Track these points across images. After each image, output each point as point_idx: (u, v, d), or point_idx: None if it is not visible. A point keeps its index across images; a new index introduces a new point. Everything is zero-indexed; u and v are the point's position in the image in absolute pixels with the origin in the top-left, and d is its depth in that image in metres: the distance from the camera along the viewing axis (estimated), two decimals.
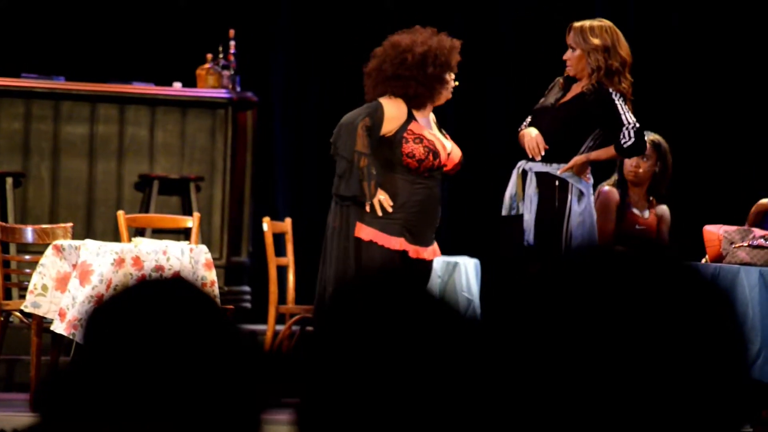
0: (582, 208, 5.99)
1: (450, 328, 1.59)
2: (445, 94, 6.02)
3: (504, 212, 6.07)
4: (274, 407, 1.63)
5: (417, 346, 1.59)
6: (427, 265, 6.05)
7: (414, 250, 5.93)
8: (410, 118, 5.95)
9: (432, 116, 6.13)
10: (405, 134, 5.91)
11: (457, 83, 6.04)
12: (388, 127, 5.92)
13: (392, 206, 5.88)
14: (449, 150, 6.04)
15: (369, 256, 5.85)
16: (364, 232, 5.87)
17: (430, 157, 5.92)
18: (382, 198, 5.85)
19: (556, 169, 6.00)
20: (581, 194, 6.01)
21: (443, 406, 1.55)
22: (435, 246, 6.07)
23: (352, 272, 5.84)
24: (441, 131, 6.12)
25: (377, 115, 5.88)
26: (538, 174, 6.01)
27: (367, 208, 5.85)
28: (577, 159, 6.00)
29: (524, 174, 6.05)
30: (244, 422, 1.57)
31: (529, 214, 5.99)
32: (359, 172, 5.83)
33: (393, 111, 5.92)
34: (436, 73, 5.93)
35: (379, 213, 5.84)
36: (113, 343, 1.52)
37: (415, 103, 5.95)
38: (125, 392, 1.50)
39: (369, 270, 5.83)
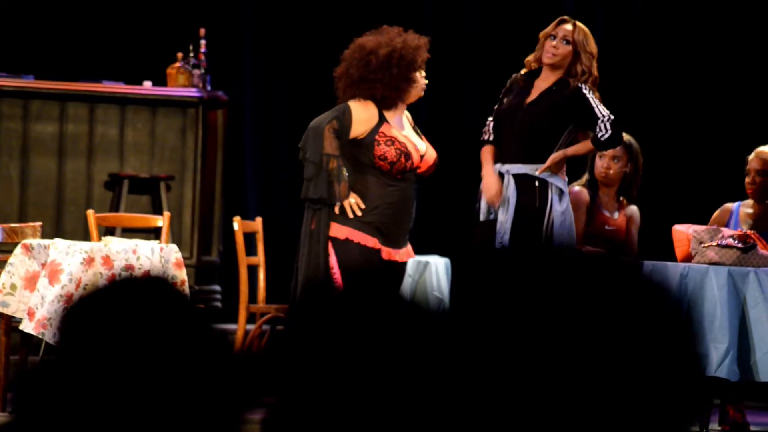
0: (564, 207, 5.99)
1: (422, 330, 1.59)
2: (416, 93, 6.01)
3: (482, 217, 6.04)
4: (253, 407, 1.63)
5: (389, 347, 1.60)
6: (400, 267, 6.02)
7: (386, 252, 5.91)
8: (382, 120, 5.92)
9: (407, 115, 6.11)
10: (377, 137, 5.89)
11: (427, 81, 6.03)
12: (359, 129, 5.90)
13: (364, 209, 5.86)
14: (423, 151, 6.01)
15: (347, 254, 5.84)
16: (340, 231, 5.86)
17: (402, 159, 5.89)
18: (353, 201, 5.84)
19: (534, 169, 6.00)
20: (562, 193, 6.01)
21: (415, 405, 1.56)
22: (408, 248, 6.05)
23: (322, 275, 5.83)
24: (416, 131, 6.11)
25: (345, 118, 5.87)
26: (516, 176, 6.00)
27: (337, 210, 5.84)
28: (555, 156, 6.00)
29: (501, 177, 6.03)
30: (225, 421, 1.57)
31: (504, 215, 5.96)
32: (328, 174, 5.81)
33: (362, 114, 5.90)
34: (402, 74, 5.90)
35: (350, 215, 5.83)
36: (89, 341, 1.52)
37: (384, 104, 5.94)
38: (102, 391, 1.50)
39: (349, 267, 5.82)
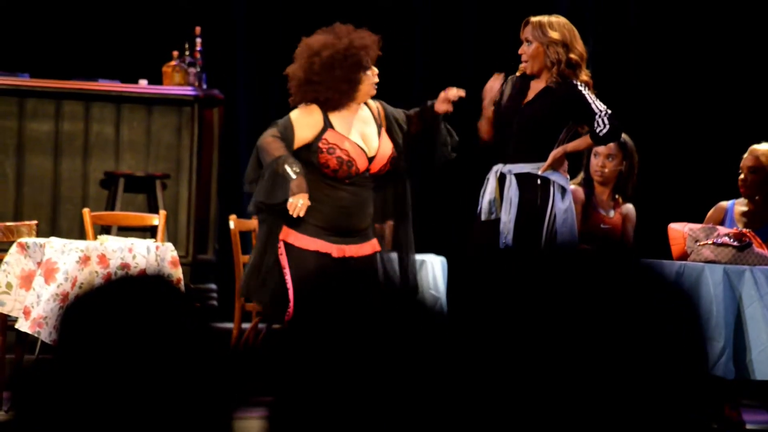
0: (566, 205, 5.99)
1: (420, 324, 1.59)
2: (365, 92, 5.85)
3: (483, 217, 6.02)
4: (244, 405, 1.64)
5: (385, 343, 1.60)
6: (359, 262, 5.88)
7: (338, 249, 5.82)
8: (326, 125, 5.83)
9: (375, 106, 5.99)
10: (320, 144, 5.79)
11: (377, 80, 5.88)
12: (305, 136, 5.83)
13: (314, 211, 5.77)
14: (373, 153, 5.90)
15: (298, 260, 5.78)
16: (290, 235, 5.81)
17: (344, 167, 5.80)
18: (301, 203, 5.65)
19: (535, 168, 5.99)
20: (564, 191, 6.01)
21: (414, 402, 1.56)
22: (372, 242, 5.94)
23: (268, 275, 5.81)
24: (380, 126, 5.96)
25: (287, 133, 5.79)
26: (518, 175, 5.99)
27: (289, 208, 5.66)
28: (555, 153, 5.99)
29: (502, 177, 6.03)
30: (222, 418, 1.57)
31: (507, 215, 5.95)
32: (282, 177, 5.68)
33: (305, 124, 5.79)
34: (344, 76, 5.77)
35: (293, 213, 5.66)
36: (88, 339, 1.52)
37: (328, 106, 5.84)
38: (99, 389, 1.50)
39: (300, 273, 5.76)
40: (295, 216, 5.67)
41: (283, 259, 5.80)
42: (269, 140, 5.75)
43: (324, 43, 5.81)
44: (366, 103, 5.97)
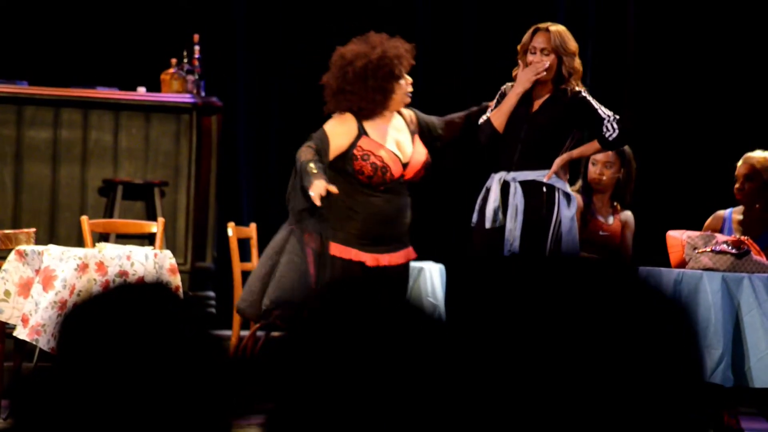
0: (572, 212, 5.99)
1: (419, 332, 1.59)
2: (399, 100, 5.91)
3: (488, 225, 6.01)
4: (243, 412, 1.64)
5: (385, 351, 1.60)
6: (392, 270, 5.95)
7: (373, 258, 5.86)
8: (361, 132, 5.88)
9: (407, 114, 6.03)
10: (354, 151, 5.84)
11: (411, 89, 5.94)
12: (340, 145, 5.87)
13: (348, 219, 5.80)
14: (408, 158, 5.94)
15: (328, 266, 5.81)
16: (332, 247, 5.84)
17: (379, 173, 5.83)
18: (320, 185, 5.63)
19: (540, 176, 5.99)
20: (569, 198, 6.01)
21: (414, 409, 1.56)
22: (408, 250, 6.00)
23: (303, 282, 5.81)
24: (412, 133, 6.03)
25: (323, 146, 5.84)
26: (523, 183, 5.99)
27: (315, 201, 5.68)
28: (560, 160, 5.99)
29: (505, 185, 6.02)
30: (216, 426, 1.57)
31: (513, 223, 5.94)
32: (301, 175, 5.73)
33: (339, 133, 5.85)
34: (378, 85, 5.82)
35: (317, 202, 5.67)
36: (89, 347, 1.52)
37: (362, 115, 5.89)
38: (99, 397, 1.50)
39: (329, 279, 5.80)
40: (318, 202, 5.66)
41: (312, 266, 5.84)
42: (302, 149, 5.83)
43: (357, 53, 5.85)
44: (399, 111, 6.02)
